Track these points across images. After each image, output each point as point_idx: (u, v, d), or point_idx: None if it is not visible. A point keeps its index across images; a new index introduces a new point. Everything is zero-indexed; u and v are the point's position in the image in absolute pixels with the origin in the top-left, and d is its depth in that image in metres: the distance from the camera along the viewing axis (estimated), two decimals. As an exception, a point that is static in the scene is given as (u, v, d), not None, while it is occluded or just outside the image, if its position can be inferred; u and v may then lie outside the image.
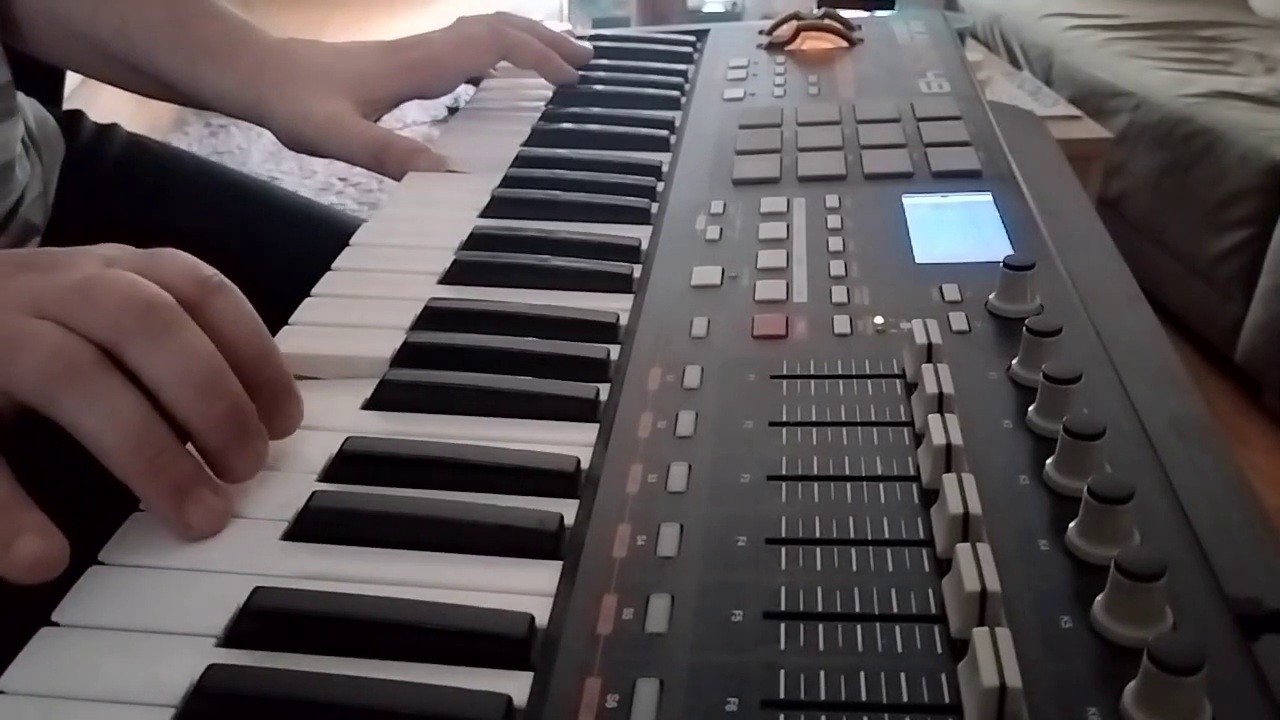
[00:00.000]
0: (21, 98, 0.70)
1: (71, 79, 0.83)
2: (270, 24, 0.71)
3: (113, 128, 0.78)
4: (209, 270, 0.39)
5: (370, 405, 0.43)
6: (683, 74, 0.79)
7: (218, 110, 0.70)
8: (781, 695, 0.29)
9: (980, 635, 0.28)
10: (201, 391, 0.36)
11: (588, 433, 0.41)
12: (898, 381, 0.42)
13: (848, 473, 0.37)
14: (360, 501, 0.38)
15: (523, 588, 0.34)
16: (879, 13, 0.97)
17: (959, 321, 0.45)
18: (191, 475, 0.36)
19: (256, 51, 0.68)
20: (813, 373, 0.43)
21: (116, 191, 0.74)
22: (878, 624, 0.31)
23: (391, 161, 0.65)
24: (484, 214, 0.59)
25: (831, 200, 0.57)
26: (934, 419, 0.36)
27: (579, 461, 0.39)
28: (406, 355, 0.46)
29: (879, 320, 0.46)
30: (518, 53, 0.75)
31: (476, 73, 0.78)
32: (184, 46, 0.67)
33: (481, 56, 0.74)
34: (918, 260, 0.51)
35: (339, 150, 0.67)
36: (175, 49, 0.67)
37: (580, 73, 0.78)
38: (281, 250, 0.71)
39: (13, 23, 0.67)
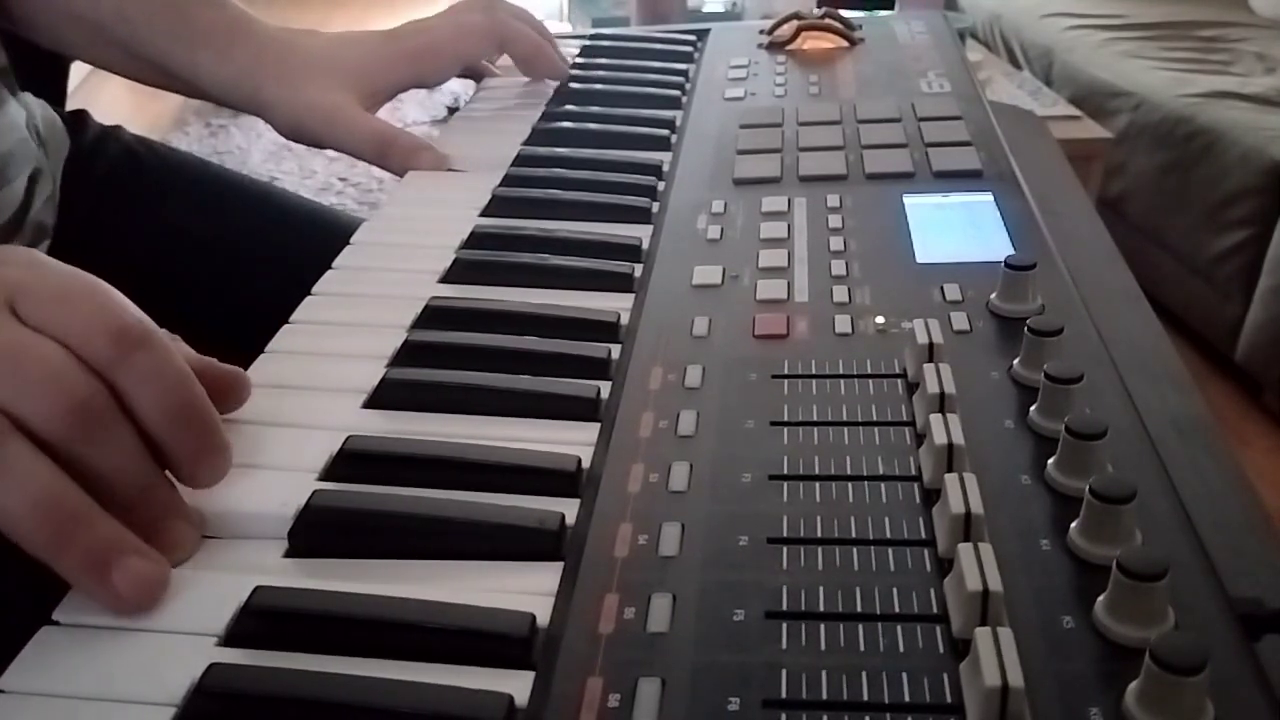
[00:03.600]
0: (30, 97, 0.70)
1: (71, 79, 0.83)
2: (273, 21, 0.70)
3: (116, 129, 0.78)
4: (129, 319, 0.35)
5: (371, 404, 0.43)
6: (683, 73, 0.79)
7: (215, 99, 0.69)
8: (783, 695, 0.29)
9: (982, 635, 0.28)
10: (125, 491, 0.34)
11: (589, 432, 0.41)
12: (899, 381, 0.42)
13: (849, 472, 0.37)
14: (361, 500, 0.37)
15: (524, 587, 0.34)
16: (879, 13, 0.97)
17: (960, 321, 0.45)
18: (111, 542, 0.33)
19: (256, 41, 0.68)
20: (814, 372, 0.43)
21: (120, 192, 0.74)
22: (879, 624, 0.31)
23: (395, 157, 0.65)
24: (485, 213, 0.59)
25: (832, 200, 0.57)
26: (935, 419, 0.36)
27: (580, 461, 0.39)
28: (407, 354, 0.46)
29: (880, 320, 0.46)
30: (515, 42, 0.74)
31: (474, 60, 0.77)
32: (183, 34, 0.67)
33: (480, 43, 0.74)
34: (919, 260, 0.51)
35: (343, 142, 0.66)
36: (174, 36, 0.67)
37: (581, 72, 0.78)
38: (282, 250, 0.71)
39: (14, 5, 0.67)
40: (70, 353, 0.34)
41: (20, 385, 0.33)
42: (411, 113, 2.80)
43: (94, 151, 0.75)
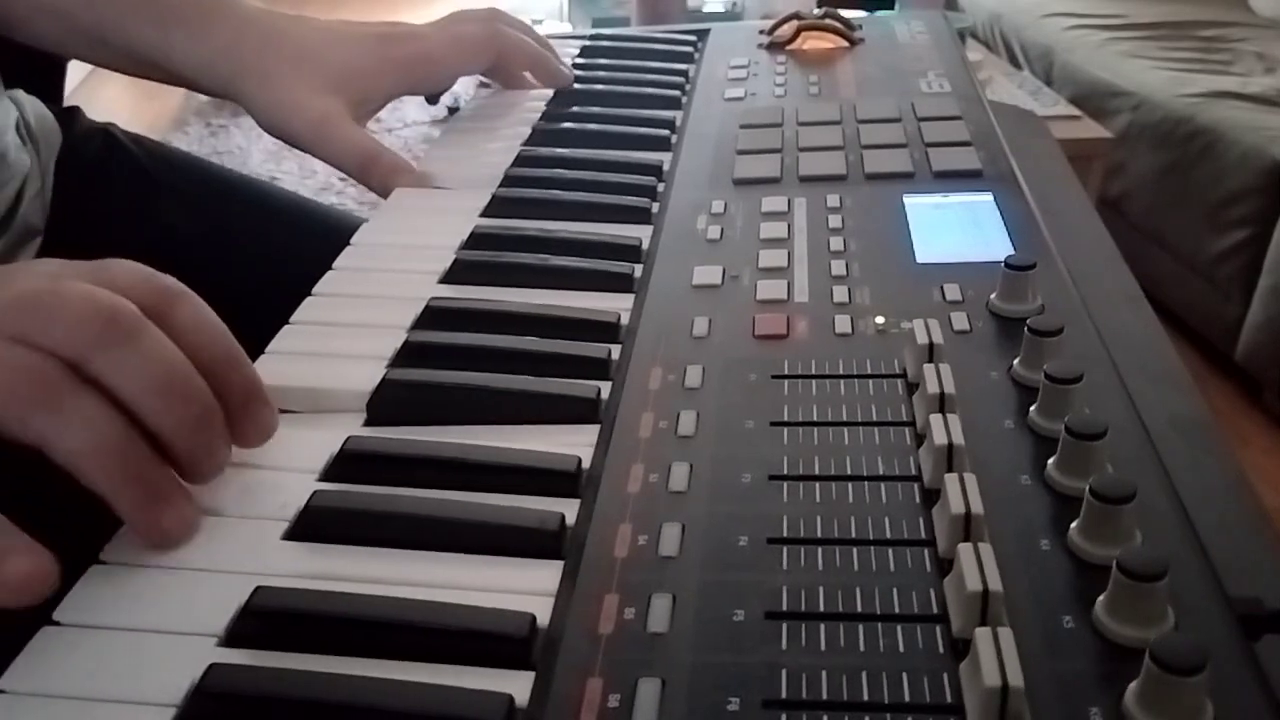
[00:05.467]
0: (20, 93, 0.69)
1: (71, 79, 0.82)
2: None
3: (109, 126, 0.76)
4: (166, 279, 0.38)
5: (371, 405, 0.43)
6: (683, 74, 0.79)
7: (192, 83, 0.66)
8: (783, 695, 0.29)
9: (982, 635, 0.28)
10: (171, 398, 0.35)
11: (589, 432, 0.41)
12: (899, 381, 0.42)
13: (849, 472, 0.37)
14: (361, 501, 0.37)
15: (524, 587, 0.34)
16: (879, 13, 0.97)
17: (960, 321, 0.45)
18: (168, 481, 0.36)
19: (236, 18, 0.65)
20: (814, 372, 0.43)
21: (113, 189, 0.72)
22: (879, 624, 0.31)
23: (376, 175, 0.63)
24: (485, 213, 0.59)
25: (832, 200, 0.57)
26: (935, 419, 0.36)
27: (580, 461, 0.39)
28: (407, 354, 0.46)
29: (880, 320, 0.46)
30: (514, 54, 0.73)
31: (471, 73, 0.75)
32: (154, 12, 0.64)
33: (478, 56, 0.72)
34: (919, 260, 0.51)
35: (327, 153, 0.64)
36: (145, 15, 0.64)
37: (581, 73, 0.78)
38: (282, 250, 0.71)
39: None
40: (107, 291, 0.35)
41: (60, 322, 0.34)
42: (412, 112, 2.80)
43: (86, 148, 0.73)
